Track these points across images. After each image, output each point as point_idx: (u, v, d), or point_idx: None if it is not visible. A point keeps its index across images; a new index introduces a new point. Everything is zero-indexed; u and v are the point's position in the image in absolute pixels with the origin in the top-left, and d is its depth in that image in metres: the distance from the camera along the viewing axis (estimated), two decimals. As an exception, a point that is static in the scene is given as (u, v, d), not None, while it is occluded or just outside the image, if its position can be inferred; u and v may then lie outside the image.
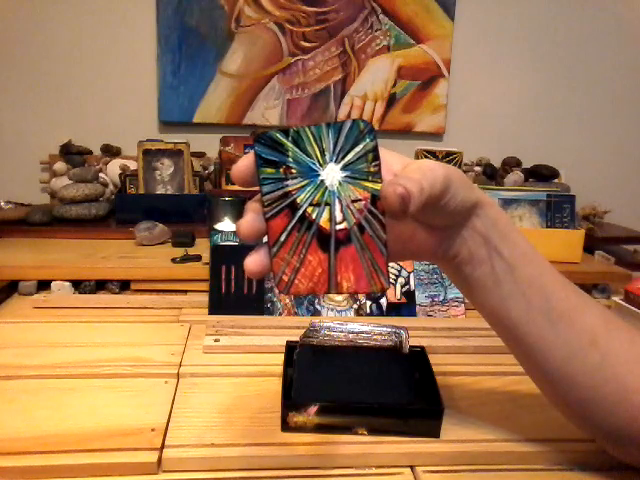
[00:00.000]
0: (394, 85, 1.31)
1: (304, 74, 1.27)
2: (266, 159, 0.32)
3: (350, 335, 0.53)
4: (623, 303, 0.76)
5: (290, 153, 0.32)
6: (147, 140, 1.06)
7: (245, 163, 0.34)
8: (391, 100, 1.31)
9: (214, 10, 1.21)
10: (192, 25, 1.21)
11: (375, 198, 0.32)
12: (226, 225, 0.88)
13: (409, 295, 0.73)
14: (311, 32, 1.25)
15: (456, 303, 0.73)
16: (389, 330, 0.53)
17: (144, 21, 1.21)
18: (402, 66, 1.30)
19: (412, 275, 0.74)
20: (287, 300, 0.71)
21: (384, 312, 0.72)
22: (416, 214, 0.33)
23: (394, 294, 0.73)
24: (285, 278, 0.33)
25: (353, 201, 0.32)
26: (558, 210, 0.94)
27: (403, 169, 0.35)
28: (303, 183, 0.32)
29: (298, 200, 0.32)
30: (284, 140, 0.32)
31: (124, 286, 0.79)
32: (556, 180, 1.26)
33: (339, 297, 0.72)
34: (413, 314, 0.72)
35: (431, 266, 0.75)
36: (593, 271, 0.88)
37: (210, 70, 1.24)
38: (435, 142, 1.35)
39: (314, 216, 0.32)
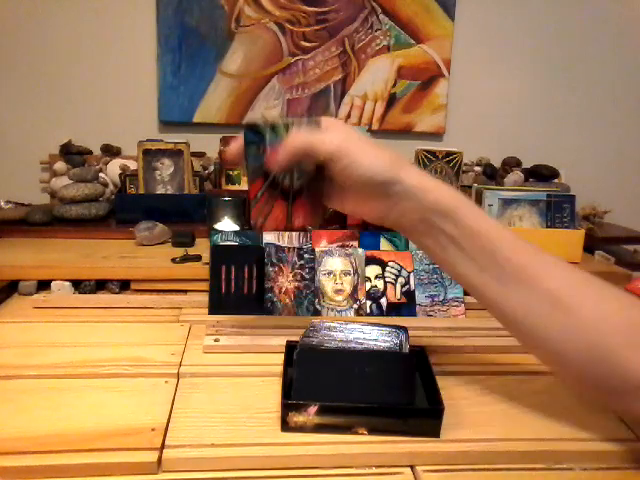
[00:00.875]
0: (394, 85, 1.31)
1: (304, 74, 1.27)
2: (251, 140, 0.47)
3: (350, 335, 0.53)
4: (623, 303, 0.76)
5: (268, 137, 0.47)
6: (147, 140, 1.06)
7: (236, 147, 0.48)
8: (391, 100, 1.31)
9: (214, 10, 1.21)
10: (192, 25, 1.21)
11: (320, 168, 0.47)
12: (226, 225, 0.88)
13: (409, 295, 0.73)
14: (311, 32, 1.25)
15: (456, 303, 0.73)
16: (389, 330, 0.53)
17: (144, 21, 1.21)
18: (402, 66, 1.30)
19: (412, 275, 0.74)
20: (287, 300, 0.71)
21: (384, 312, 0.72)
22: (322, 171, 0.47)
23: (394, 294, 0.73)
24: (259, 223, 0.50)
25: (301, 176, 0.49)
26: (558, 210, 0.94)
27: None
28: None
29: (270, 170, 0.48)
30: (264, 128, 0.47)
31: (124, 286, 0.79)
32: (556, 180, 1.26)
33: (339, 297, 0.72)
34: (413, 314, 0.72)
35: (431, 266, 0.75)
36: (593, 271, 0.86)
37: (210, 70, 1.24)
38: (435, 142, 1.35)
39: (280, 179, 0.48)
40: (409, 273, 0.74)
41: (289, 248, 0.72)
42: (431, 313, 0.73)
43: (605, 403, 0.46)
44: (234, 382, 0.54)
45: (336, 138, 0.45)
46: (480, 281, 0.46)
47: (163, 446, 0.43)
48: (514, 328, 0.47)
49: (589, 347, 0.43)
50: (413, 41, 1.29)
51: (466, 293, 0.74)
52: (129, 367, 0.55)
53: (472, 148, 1.29)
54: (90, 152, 1.22)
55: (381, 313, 0.72)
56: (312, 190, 0.49)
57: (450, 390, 0.52)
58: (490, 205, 0.95)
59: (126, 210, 1.01)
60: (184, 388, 0.52)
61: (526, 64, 1.35)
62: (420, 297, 0.73)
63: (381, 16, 1.27)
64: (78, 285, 0.78)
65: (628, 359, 0.42)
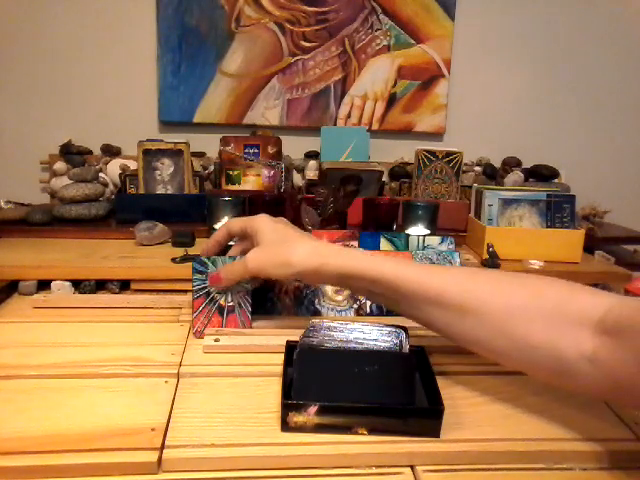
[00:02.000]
0: (394, 85, 1.31)
1: (304, 74, 1.27)
2: (197, 270, 0.62)
3: (350, 335, 0.53)
4: (623, 303, 0.76)
5: (209, 268, 0.62)
6: (147, 140, 1.06)
7: (212, 242, 0.65)
8: (391, 100, 1.31)
9: (214, 10, 1.21)
10: (192, 25, 1.21)
11: (247, 291, 0.62)
12: (226, 225, 0.88)
13: (409, 295, 0.73)
14: (311, 32, 1.25)
15: (456, 303, 0.73)
16: (389, 330, 0.53)
17: (144, 21, 1.21)
18: (402, 66, 1.30)
19: (412, 275, 0.74)
20: (287, 300, 0.71)
21: (384, 312, 0.72)
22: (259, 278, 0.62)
23: (394, 294, 0.73)
24: (199, 329, 0.62)
25: (238, 292, 0.62)
26: (558, 210, 0.94)
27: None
28: None
29: (211, 290, 0.62)
30: (208, 262, 0.62)
31: (124, 286, 0.79)
32: (556, 180, 1.26)
33: (339, 297, 0.71)
34: (413, 314, 0.72)
35: (431, 266, 0.75)
36: (593, 271, 0.88)
37: (210, 70, 1.24)
38: (435, 142, 1.36)
39: (217, 298, 0.62)
40: (409, 273, 0.74)
41: (289, 248, 0.72)
42: (431, 313, 0.73)
43: (551, 385, 0.48)
44: (234, 382, 0.54)
45: (254, 260, 0.56)
46: (401, 310, 0.55)
47: (163, 446, 0.43)
48: (449, 339, 0.52)
49: (513, 339, 0.45)
50: (413, 41, 1.29)
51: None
52: (129, 367, 0.55)
53: (472, 148, 1.29)
54: (90, 152, 1.22)
55: (381, 313, 0.72)
56: (242, 308, 0.63)
57: (450, 390, 0.52)
58: (490, 205, 0.95)
59: (126, 210, 1.01)
60: (184, 388, 0.52)
61: (526, 64, 1.36)
62: (420, 297, 0.73)
63: (381, 16, 1.27)
64: (78, 285, 0.78)
65: (553, 341, 0.43)
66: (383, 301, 0.59)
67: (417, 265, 0.54)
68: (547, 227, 0.94)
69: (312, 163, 1.25)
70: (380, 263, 0.53)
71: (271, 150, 1.13)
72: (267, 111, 1.28)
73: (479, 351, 0.50)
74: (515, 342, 0.45)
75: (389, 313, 0.72)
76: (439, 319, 0.50)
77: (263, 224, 0.59)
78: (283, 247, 0.56)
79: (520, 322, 0.45)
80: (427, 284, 0.50)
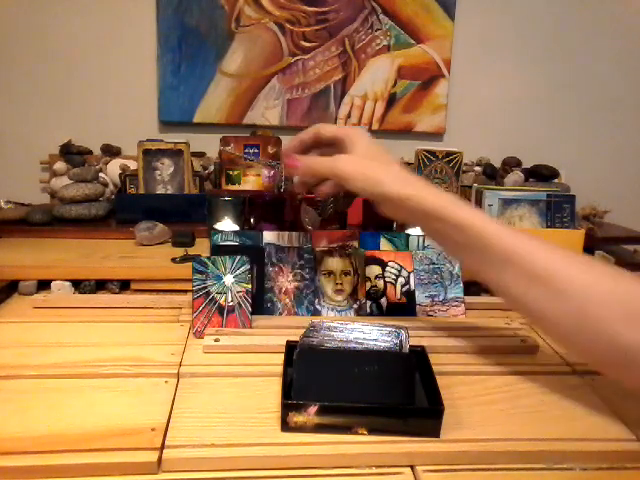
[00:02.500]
0: (394, 85, 1.31)
1: (304, 74, 1.27)
2: (197, 270, 0.64)
3: (350, 335, 0.53)
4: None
5: (209, 268, 0.64)
6: (147, 140, 1.06)
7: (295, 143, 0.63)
8: (391, 100, 1.31)
9: (214, 10, 1.21)
10: (192, 25, 1.21)
11: (247, 291, 0.64)
12: (226, 225, 0.88)
13: (409, 295, 0.73)
14: (311, 32, 1.25)
15: (456, 303, 0.73)
16: (389, 330, 0.53)
17: (144, 21, 1.21)
18: (402, 66, 1.30)
19: (412, 275, 0.74)
20: (287, 300, 0.71)
21: (384, 312, 0.72)
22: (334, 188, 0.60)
23: (394, 294, 0.73)
24: (199, 329, 0.63)
25: (238, 292, 0.64)
26: (558, 210, 0.94)
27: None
28: (214, 282, 0.64)
29: (211, 290, 0.64)
30: (207, 262, 0.64)
31: (124, 286, 0.79)
32: (556, 180, 1.26)
33: (339, 297, 0.71)
34: (413, 314, 0.72)
35: (431, 266, 0.75)
36: (593, 271, 0.88)
37: (210, 70, 1.24)
38: (435, 142, 1.35)
39: (217, 298, 0.64)
40: (409, 273, 0.74)
41: (289, 248, 0.72)
42: (431, 313, 0.73)
43: (597, 371, 0.49)
44: (234, 382, 0.54)
45: (347, 163, 0.55)
46: (471, 266, 0.54)
47: (163, 446, 0.43)
48: (512, 305, 0.52)
49: (585, 320, 0.45)
50: (413, 41, 1.29)
51: (466, 292, 0.74)
52: (129, 367, 0.55)
53: (472, 148, 1.29)
54: (90, 152, 1.22)
55: (381, 313, 0.72)
56: (242, 308, 0.64)
57: (450, 390, 0.52)
58: (490, 205, 0.95)
59: (126, 210, 1.01)
60: (184, 388, 0.52)
61: (526, 64, 1.35)
62: (420, 297, 0.73)
63: (381, 16, 1.27)
64: (78, 285, 0.78)
65: (618, 331, 0.43)
66: (457, 252, 0.56)
67: (504, 224, 0.53)
68: (547, 227, 0.94)
69: (312, 163, 1.25)
70: (472, 212, 0.52)
71: (271, 150, 1.13)
72: (267, 111, 1.28)
73: (542, 326, 0.50)
74: (585, 325, 0.45)
75: (389, 313, 0.72)
76: (511, 284, 0.49)
77: (362, 135, 0.57)
78: (377, 163, 0.55)
79: (597, 307, 0.44)
80: (512, 243, 0.49)
